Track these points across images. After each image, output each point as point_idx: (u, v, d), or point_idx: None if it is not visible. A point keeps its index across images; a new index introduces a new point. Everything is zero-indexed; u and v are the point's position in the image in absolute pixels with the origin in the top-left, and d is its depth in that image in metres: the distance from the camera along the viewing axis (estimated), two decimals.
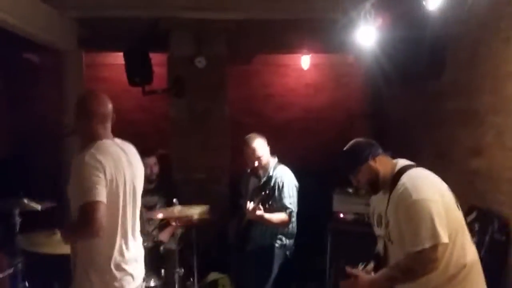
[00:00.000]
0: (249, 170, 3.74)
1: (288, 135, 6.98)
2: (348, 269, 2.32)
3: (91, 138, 2.34)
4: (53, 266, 3.43)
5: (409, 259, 2.09)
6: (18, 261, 3.27)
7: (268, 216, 3.36)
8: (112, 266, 2.27)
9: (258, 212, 3.29)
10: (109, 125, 2.42)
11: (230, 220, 3.93)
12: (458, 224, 2.19)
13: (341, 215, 4.19)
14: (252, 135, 3.60)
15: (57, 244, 2.89)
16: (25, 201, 3.31)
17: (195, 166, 5.29)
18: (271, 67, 7.13)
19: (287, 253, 3.61)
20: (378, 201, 2.39)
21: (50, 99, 6.81)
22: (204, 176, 5.30)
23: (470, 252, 2.19)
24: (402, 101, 4.85)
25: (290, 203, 3.47)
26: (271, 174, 3.55)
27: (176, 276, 3.36)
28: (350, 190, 4.13)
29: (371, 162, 2.28)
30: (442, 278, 2.12)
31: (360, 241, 4.01)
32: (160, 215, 3.44)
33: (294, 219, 3.54)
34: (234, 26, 5.22)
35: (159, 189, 3.97)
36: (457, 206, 2.25)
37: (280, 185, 3.47)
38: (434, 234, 2.02)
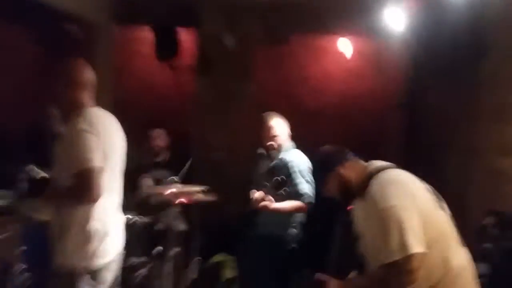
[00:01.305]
0: (260, 152, 3.57)
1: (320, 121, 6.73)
2: (319, 275, 2.12)
3: (77, 106, 2.29)
4: None
5: (381, 270, 1.90)
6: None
7: (275, 206, 3.16)
8: (92, 233, 2.21)
9: (263, 203, 3.10)
10: (93, 94, 2.35)
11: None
12: (440, 227, 1.98)
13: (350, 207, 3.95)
14: (272, 112, 3.44)
15: None
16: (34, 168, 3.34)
17: (214, 146, 5.19)
18: (308, 49, 6.84)
19: (291, 243, 3.43)
20: (358, 209, 2.20)
21: None
22: (223, 156, 5.19)
23: (457, 256, 1.98)
24: (437, 92, 4.48)
25: (304, 188, 3.25)
26: (281, 157, 3.36)
27: (173, 255, 3.28)
28: None
29: (340, 170, 2.11)
30: (425, 286, 1.91)
31: None
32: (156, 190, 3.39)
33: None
34: (268, 3, 5.03)
35: (170, 164, 3.92)
36: (441, 206, 2.03)
37: (292, 170, 3.26)
38: (404, 244, 1.82)
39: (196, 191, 3.31)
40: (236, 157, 5.19)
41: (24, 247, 3.42)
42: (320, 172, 2.24)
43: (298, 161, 3.32)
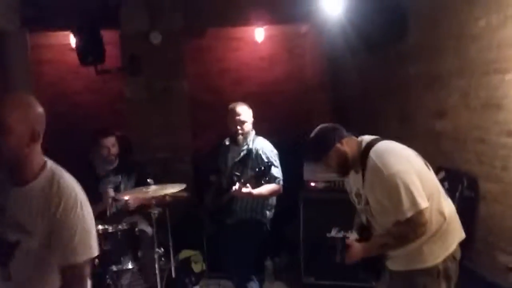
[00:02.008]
0: (227, 142, 3.66)
1: None
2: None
3: (39, 162, 1.83)
4: None
5: (398, 226, 2.21)
6: None
7: (257, 191, 3.29)
8: None
9: (245, 190, 3.23)
10: None
11: (204, 196, 3.84)
12: (432, 184, 2.31)
13: (312, 184, 4.23)
14: (239, 102, 3.55)
15: None
16: None
17: (156, 146, 5.15)
18: (225, 41, 6.98)
19: (267, 225, 3.60)
20: (353, 181, 2.47)
21: None
22: (167, 155, 5.18)
23: (447, 206, 2.33)
24: (364, 69, 4.91)
25: (278, 173, 3.44)
26: (250, 146, 3.49)
27: (157, 257, 3.27)
28: None
29: (338, 146, 2.34)
30: (427, 235, 2.23)
31: (332, 208, 4.13)
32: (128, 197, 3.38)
33: None
34: None
35: (122, 169, 3.86)
36: (428, 167, 2.36)
37: (264, 156, 3.42)
38: (414, 203, 2.14)
39: (176, 191, 3.31)
40: (180, 154, 5.22)
41: None
42: (320, 149, 2.39)
43: (268, 148, 3.49)
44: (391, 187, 2.16)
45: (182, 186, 3.37)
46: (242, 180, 3.23)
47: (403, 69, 4.13)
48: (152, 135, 5.16)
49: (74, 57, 6.23)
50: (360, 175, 2.33)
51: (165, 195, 3.36)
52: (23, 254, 1.69)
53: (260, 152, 3.46)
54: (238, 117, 3.50)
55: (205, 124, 6.22)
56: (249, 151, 3.51)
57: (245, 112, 3.54)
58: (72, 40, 6.10)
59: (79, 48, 4.80)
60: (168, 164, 5.12)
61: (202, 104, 6.41)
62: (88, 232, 1.72)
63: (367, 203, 2.34)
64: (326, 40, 5.42)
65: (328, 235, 2.82)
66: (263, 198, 3.45)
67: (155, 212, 3.26)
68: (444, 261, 2.27)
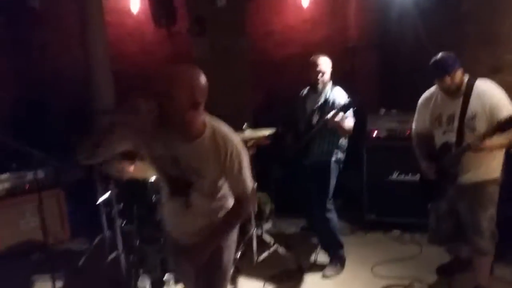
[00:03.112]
0: (305, 92, 4.10)
1: (288, 71, 7.32)
2: None
3: (202, 122, 2.21)
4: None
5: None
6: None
7: (344, 122, 3.76)
8: None
9: (337, 118, 3.68)
10: None
11: (283, 140, 4.27)
12: None
13: (375, 133, 4.71)
14: (319, 54, 3.95)
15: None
16: None
17: (218, 103, 5.56)
18: (271, 5, 7.31)
19: (340, 166, 4.09)
20: (445, 105, 3.27)
21: (52, 43, 6.83)
22: (228, 112, 5.61)
23: None
24: (416, 30, 5.28)
25: (351, 118, 3.88)
26: (328, 95, 3.94)
27: None
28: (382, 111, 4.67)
29: (460, 70, 3.10)
30: (499, 150, 3.21)
31: (393, 154, 4.63)
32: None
33: None
34: None
35: None
36: None
37: (338, 106, 3.86)
38: None
39: (266, 134, 3.79)
40: (241, 110, 5.65)
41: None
42: (452, 64, 3.14)
43: (343, 97, 3.93)
44: (501, 104, 3.03)
45: (272, 130, 3.83)
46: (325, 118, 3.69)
47: (459, 29, 4.52)
48: (214, 93, 5.59)
49: (131, 21, 6.69)
50: (459, 100, 3.13)
51: (256, 139, 3.84)
52: (198, 189, 2.26)
53: (336, 101, 3.89)
54: (318, 67, 3.92)
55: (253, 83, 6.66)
56: (326, 100, 3.95)
57: (325, 63, 3.96)
58: (133, 5, 6.53)
59: (153, 11, 5.20)
60: (231, 120, 5.56)
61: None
62: (248, 168, 2.28)
63: (472, 118, 3.10)
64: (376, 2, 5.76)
65: None
66: (343, 133, 3.89)
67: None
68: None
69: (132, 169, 3.80)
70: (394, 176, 4.69)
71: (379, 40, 6.14)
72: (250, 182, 2.31)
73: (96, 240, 4.34)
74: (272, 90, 7.07)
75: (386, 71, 5.96)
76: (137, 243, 3.82)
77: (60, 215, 4.89)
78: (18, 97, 6.53)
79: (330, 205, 4.04)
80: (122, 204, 3.88)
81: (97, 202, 4.07)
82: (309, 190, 4.07)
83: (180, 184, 2.25)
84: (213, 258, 2.32)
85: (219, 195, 2.32)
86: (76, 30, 6.07)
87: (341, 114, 3.69)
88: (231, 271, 2.83)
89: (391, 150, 4.63)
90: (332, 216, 4.06)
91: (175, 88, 2.02)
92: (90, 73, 5.57)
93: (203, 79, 2.13)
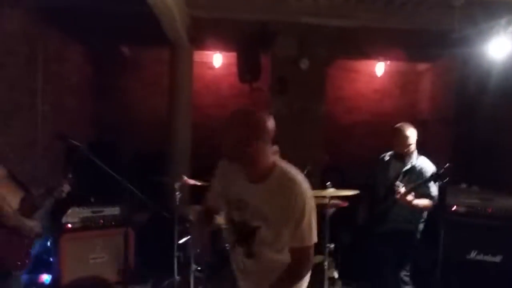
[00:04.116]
0: (387, 158, 4.07)
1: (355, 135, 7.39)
2: None
3: (269, 164, 2.14)
4: None
5: None
6: None
7: (416, 201, 3.70)
8: None
9: (409, 197, 3.63)
10: None
11: (359, 204, 4.21)
12: None
13: (454, 207, 4.56)
14: (405, 123, 3.95)
15: None
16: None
17: (290, 159, 5.63)
18: (344, 72, 7.51)
19: (418, 237, 3.95)
20: None
21: (135, 89, 7.21)
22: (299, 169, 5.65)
23: None
24: (497, 109, 5.22)
25: (434, 191, 3.80)
26: (414, 163, 3.89)
27: None
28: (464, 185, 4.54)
29: None
30: None
31: (472, 232, 4.44)
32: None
33: None
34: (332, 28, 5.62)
35: None
36: None
37: (425, 174, 3.80)
38: None
39: (352, 194, 3.76)
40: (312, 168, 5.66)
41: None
42: None
43: (430, 167, 3.87)
44: None
45: (355, 192, 3.80)
46: (404, 189, 3.63)
47: None
48: (287, 150, 5.66)
49: (210, 74, 6.99)
50: None
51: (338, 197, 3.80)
52: (261, 237, 2.13)
53: (423, 169, 3.82)
54: (407, 140, 3.90)
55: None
56: (413, 166, 3.89)
57: (412, 135, 3.94)
58: (216, 60, 6.86)
59: (240, 67, 5.43)
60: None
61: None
62: (313, 221, 2.09)
63: None
64: (458, 77, 5.80)
65: None
66: (417, 209, 3.77)
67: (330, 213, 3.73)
68: None
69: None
70: (472, 255, 4.47)
71: (453, 114, 6.11)
72: (313, 236, 2.09)
73: (165, 284, 4.31)
74: (339, 152, 7.13)
75: (460, 146, 5.88)
76: None
77: (128, 254, 4.92)
78: (94, 138, 6.84)
79: (406, 277, 3.88)
80: (198, 250, 3.88)
81: (177, 243, 4.05)
82: (383, 258, 3.93)
83: (245, 231, 2.17)
84: None
85: (282, 247, 2.14)
86: (161, 79, 6.44)
87: (411, 195, 3.64)
88: None
89: (471, 227, 4.45)
90: (408, 280, 3.88)
91: (243, 127, 2.06)
92: (171, 119, 5.79)
93: (271, 122, 2.12)
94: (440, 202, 4.62)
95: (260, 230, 2.13)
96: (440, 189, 4.63)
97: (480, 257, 4.41)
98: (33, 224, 3.00)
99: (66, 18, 5.16)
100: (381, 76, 7.36)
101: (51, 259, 4.67)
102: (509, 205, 4.41)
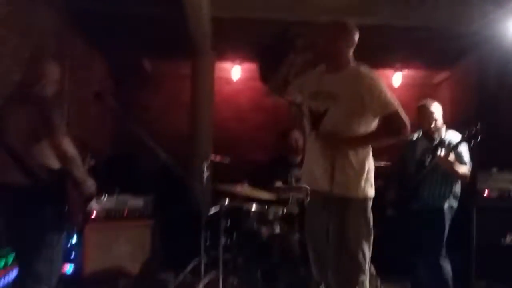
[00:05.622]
0: (415, 137, 4.01)
1: None
2: None
3: (347, 61, 2.74)
4: None
5: None
6: None
7: (456, 166, 3.61)
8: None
9: (451, 157, 3.55)
10: None
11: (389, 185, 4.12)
12: None
13: (486, 192, 4.46)
14: (429, 99, 3.93)
15: None
16: None
17: None
18: None
19: (453, 214, 3.83)
20: None
21: (156, 104, 7.31)
22: None
23: None
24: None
25: (467, 157, 3.71)
26: (443, 136, 3.85)
27: None
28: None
29: None
30: None
31: (505, 215, 4.32)
32: None
33: None
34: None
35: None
36: None
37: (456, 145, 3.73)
38: None
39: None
40: None
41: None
42: None
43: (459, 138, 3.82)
44: None
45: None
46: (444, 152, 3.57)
47: None
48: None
49: (229, 88, 7.10)
50: None
51: None
52: (330, 116, 2.60)
53: (453, 141, 3.70)
54: (432, 115, 3.87)
55: None
56: (442, 140, 3.79)
57: (437, 110, 3.92)
58: (234, 74, 7.00)
59: (261, 69, 5.50)
60: None
61: None
62: (388, 93, 2.59)
63: None
64: (478, 78, 5.82)
65: None
66: (455, 175, 3.70)
67: None
68: None
69: (241, 188, 3.79)
70: (508, 240, 4.33)
71: (475, 112, 6.07)
72: (394, 102, 2.57)
73: (192, 265, 4.14)
74: None
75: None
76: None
77: (153, 245, 4.83)
78: (115, 151, 6.84)
79: (443, 252, 3.74)
80: (228, 222, 3.79)
81: (210, 213, 3.89)
82: (418, 239, 3.79)
83: (316, 116, 2.64)
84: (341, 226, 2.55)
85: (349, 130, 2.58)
86: (183, 93, 6.54)
87: (452, 155, 3.59)
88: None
89: (505, 211, 4.33)
90: (446, 264, 3.72)
91: (338, 31, 2.72)
92: (193, 134, 5.91)
93: (357, 32, 2.72)
94: (471, 187, 4.54)
95: (330, 111, 2.58)
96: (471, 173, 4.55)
97: None
98: (92, 183, 2.96)
99: (91, 23, 5.31)
100: (398, 88, 7.39)
101: (73, 249, 4.59)
102: None
